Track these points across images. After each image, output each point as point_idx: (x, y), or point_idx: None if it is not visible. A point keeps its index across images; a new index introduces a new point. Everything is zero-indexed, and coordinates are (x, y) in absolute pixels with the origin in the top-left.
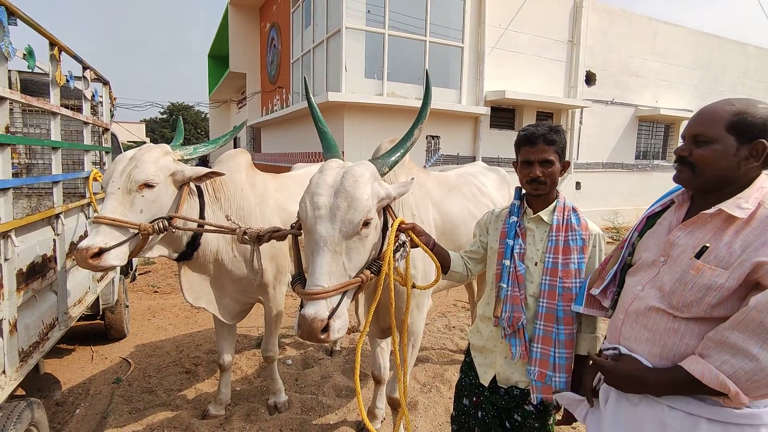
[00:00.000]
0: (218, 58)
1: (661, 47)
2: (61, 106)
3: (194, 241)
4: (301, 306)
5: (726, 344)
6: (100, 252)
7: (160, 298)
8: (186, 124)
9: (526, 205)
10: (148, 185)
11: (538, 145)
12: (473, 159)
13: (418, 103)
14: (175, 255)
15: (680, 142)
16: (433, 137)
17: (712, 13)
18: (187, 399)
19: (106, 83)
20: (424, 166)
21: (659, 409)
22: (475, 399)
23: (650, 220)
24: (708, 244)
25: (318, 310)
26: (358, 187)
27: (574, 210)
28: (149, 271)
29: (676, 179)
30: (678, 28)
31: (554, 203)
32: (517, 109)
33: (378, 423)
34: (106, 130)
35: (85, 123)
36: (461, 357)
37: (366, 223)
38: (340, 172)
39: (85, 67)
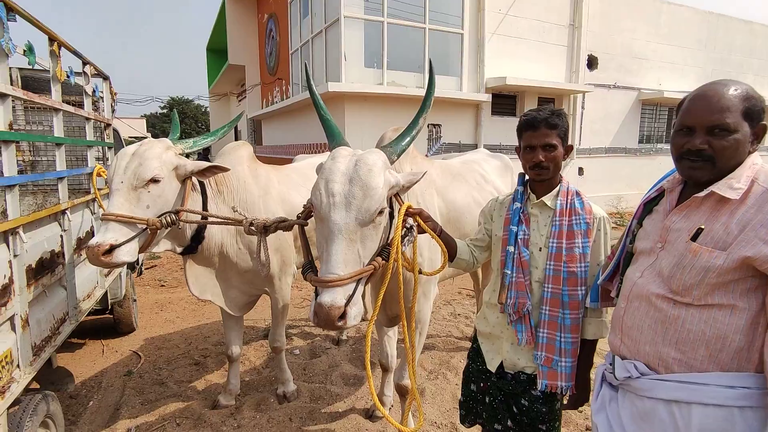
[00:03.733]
0: (217, 51)
1: (665, 28)
2: (63, 102)
3: (198, 235)
4: (316, 294)
5: None
6: (111, 249)
7: (167, 292)
8: (186, 119)
9: (529, 190)
10: (154, 180)
11: (540, 130)
12: (475, 147)
13: (419, 92)
14: (180, 249)
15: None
16: (434, 125)
17: None
18: (197, 390)
19: (106, 78)
20: (426, 155)
21: (676, 406)
22: (482, 384)
23: (647, 206)
24: (703, 226)
25: (335, 297)
26: (372, 176)
27: (578, 194)
28: (155, 266)
29: (689, 175)
30: (682, 8)
31: (557, 188)
32: (519, 95)
33: (386, 410)
34: (108, 125)
35: (87, 119)
36: (467, 344)
37: (380, 211)
38: (352, 160)
39: (85, 63)
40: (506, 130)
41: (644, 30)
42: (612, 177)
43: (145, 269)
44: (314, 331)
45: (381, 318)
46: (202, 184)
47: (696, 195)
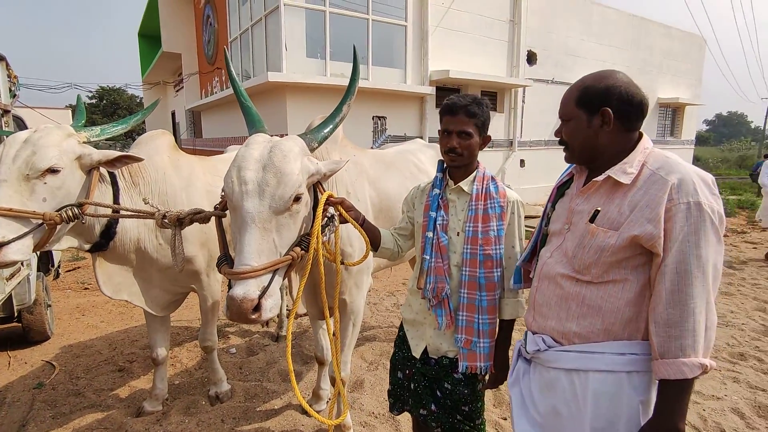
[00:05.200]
0: (149, 37)
1: (596, 28)
2: None
3: (109, 230)
4: (230, 287)
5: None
6: None
7: (91, 295)
8: (119, 109)
9: (448, 177)
10: (52, 171)
11: (458, 116)
12: (420, 139)
13: (362, 84)
14: (88, 246)
15: None
16: (379, 118)
17: None
18: (120, 398)
19: (1, 59)
20: (372, 147)
21: (576, 375)
22: (407, 371)
23: (560, 189)
24: (599, 208)
25: (248, 289)
26: (287, 162)
27: (493, 179)
28: (78, 267)
29: (565, 159)
30: (611, 10)
31: (474, 173)
32: (462, 88)
33: (323, 404)
34: (6, 111)
35: None
36: None
37: (297, 199)
38: (267, 146)
39: None
40: None
41: (577, 28)
42: (552, 168)
43: (66, 272)
44: (252, 329)
45: (313, 311)
46: (113, 175)
47: (595, 179)
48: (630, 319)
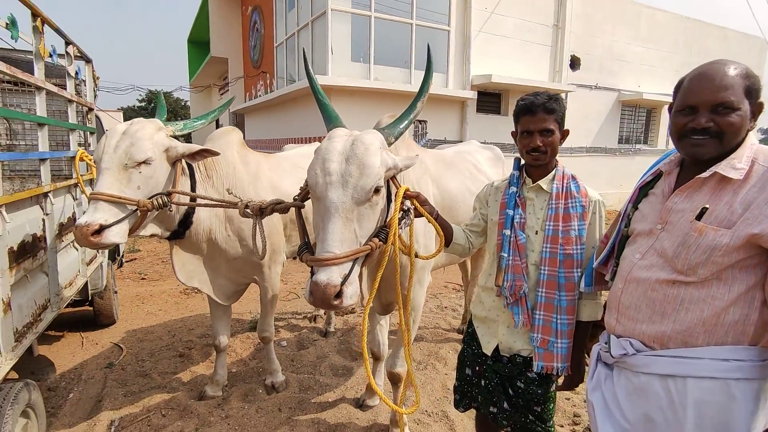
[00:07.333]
0: (198, 43)
1: (644, 32)
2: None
3: (186, 220)
4: (312, 273)
5: None
6: (101, 229)
7: (148, 285)
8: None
9: (525, 175)
10: (146, 162)
11: (538, 115)
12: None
13: (405, 87)
14: (167, 234)
15: (676, 115)
16: (420, 122)
17: None
18: (182, 381)
19: (89, 61)
20: None
21: (672, 381)
22: (478, 368)
23: (642, 190)
24: (707, 206)
25: (331, 276)
26: (369, 155)
27: (573, 178)
28: (135, 259)
29: (694, 153)
30: (661, 13)
31: (554, 171)
32: (503, 93)
33: (376, 400)
34: (90, 110)
35: (70, 101)
36: (454, 335)
37: (377, 190)
38: (349, 140)
39: (68, 43)
40: (491, 127)
41: (624, 32)
42: (593, 176)
43: (125, 262)
44: (301, 323)
45: (375, 305)
46: (190, 167)
47: (699, 176)
48: (735, 322)
